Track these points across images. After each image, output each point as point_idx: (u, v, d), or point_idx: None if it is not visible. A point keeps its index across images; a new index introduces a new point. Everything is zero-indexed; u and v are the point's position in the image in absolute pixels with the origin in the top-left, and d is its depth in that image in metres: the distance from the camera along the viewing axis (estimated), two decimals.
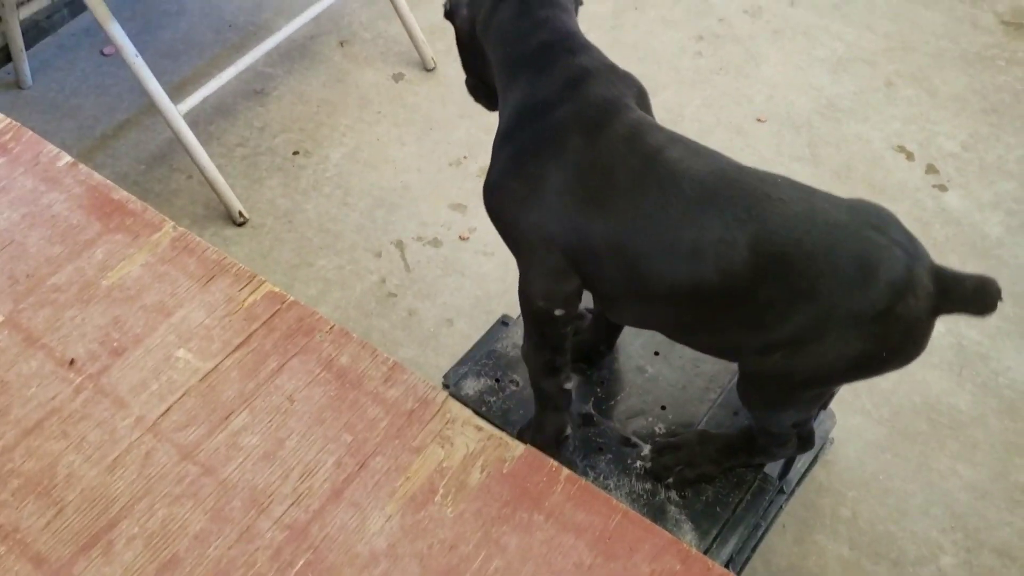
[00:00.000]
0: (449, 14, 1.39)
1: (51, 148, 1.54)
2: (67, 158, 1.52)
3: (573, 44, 1.26)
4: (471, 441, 1.22)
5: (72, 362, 1.28)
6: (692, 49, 2.61)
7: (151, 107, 2.15)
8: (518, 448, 1.22)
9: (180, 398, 1.24)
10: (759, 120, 2.42)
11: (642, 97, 1.30)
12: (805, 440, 1.40)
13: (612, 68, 1.27)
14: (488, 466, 1.20)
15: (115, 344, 1.30)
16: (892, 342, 1.17)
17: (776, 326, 1.18)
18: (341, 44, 2.62)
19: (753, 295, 1.16)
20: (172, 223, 1.43)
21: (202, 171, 2.12)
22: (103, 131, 2.41)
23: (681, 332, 1.29)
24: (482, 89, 1.44)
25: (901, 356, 1.20)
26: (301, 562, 1.11)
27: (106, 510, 1.15)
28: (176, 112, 2.05)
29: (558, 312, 1.26)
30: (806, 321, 1.16)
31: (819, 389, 1.27)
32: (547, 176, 1.20)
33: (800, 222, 1.14)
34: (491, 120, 2.34)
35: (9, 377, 1.26)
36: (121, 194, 1.48)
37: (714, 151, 1.22)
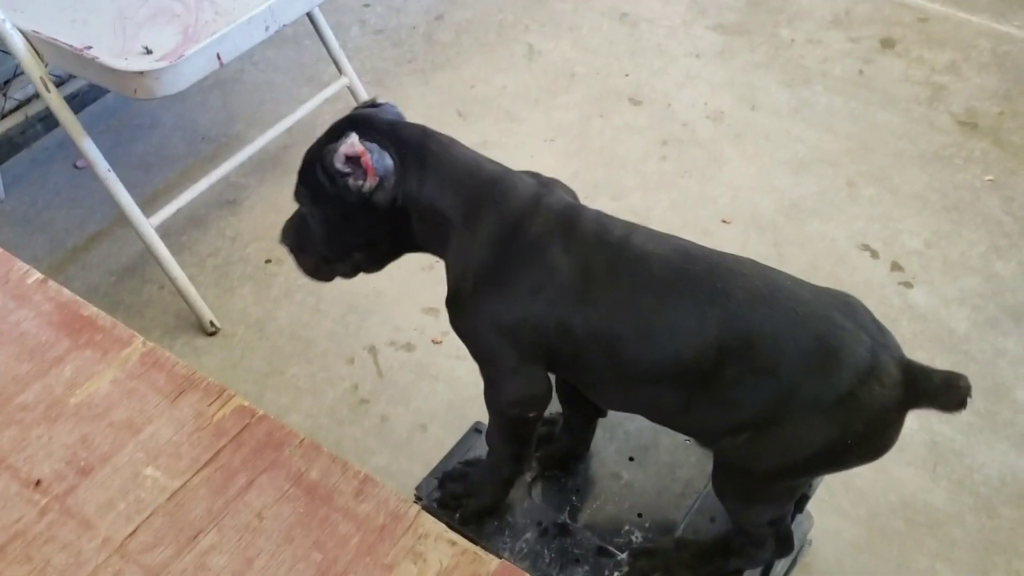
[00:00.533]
0: (368, 193, 1.23)
1: (21, 265, 1.53)
2: (36, 275, 1.52)
3: (510, 173, 1.29)
4: (444, 556, 1.20)
5: (38, 483, 1.26)
6: (657, 154, 2.67)
7: (123, 219, 2.16)
8: (492, 563, 1.20)
9: (148, 517, 1.21)
10: (724, 221, 2.47)
11: (575, 196, 1.36)
12: (783, 542, 1.39)
13: (552, 181, 1.33)
14: None
15: (82, 463, 1.27)
16: (857, 430, 1.17)
17: (743, 404, 1.20)
18: None
19: (721, 373, 1.18)
20: (141, 339, 1.42)
21: (173, 282, 2.13)
22: (75, 243, 2.41)
23: (659, 413, 1.31)
24: (371, 258, 1.36)
25: (868, 447, 1.21)
26: None
27: None
28: (147, 225, 2.07)
29: (531, 415, 1.30)
30: (769, 401, 1.18)
31: (789, 479, 1.27)
32: (526, 284, 1.22)
33: (762, 300, 1.17)
34: None
35: None
36: (91, 310, 1.47)
37: (668, 234, 1.28)
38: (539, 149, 2.68)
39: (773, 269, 1.24)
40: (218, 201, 2.50)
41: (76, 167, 2.62)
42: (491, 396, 1.30)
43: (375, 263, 1.36)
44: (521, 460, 1.38)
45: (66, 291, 1.50)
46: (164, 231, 2.19)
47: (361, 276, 2.33)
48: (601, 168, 2.60)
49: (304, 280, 2.31)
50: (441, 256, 1.30)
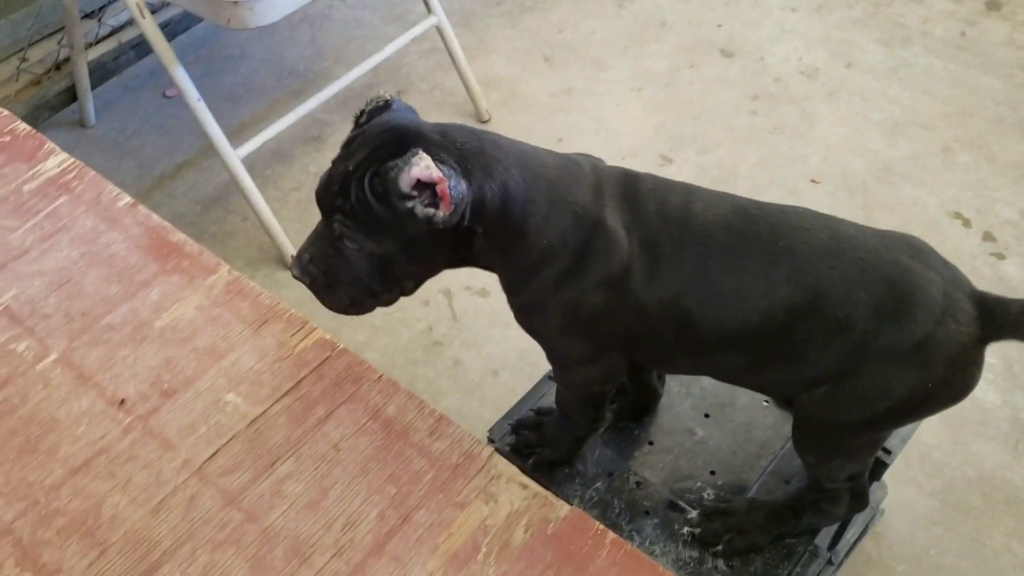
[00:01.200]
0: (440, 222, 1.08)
1: (112, 188, 1.56)
2: (127, 198, 1.55)
3: (569, 163, 1.21)
4: (516, 499, 1.21)
5: (122, 402, 1.29)
6: (747, 108, 2.60)
7: (210, 149, 2.19)
8: (563, 508, 1.20)
9: (227, 442, 1.24)
10: (813, 181, 2.41)
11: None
12: (858, 497, 1.37)
13: (586, 156, 1.26)
14: (532, 526, 1.18)
15: (165, 386, 1.30)
16: (937, 373, 1.14)
17: (817, 360, 1.18)
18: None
19: (791, 331, 1.16)
20: (227, 267, 1.44)
21: (257, 214, 2.15)
22: (162, 171, 2.45)
23: (730, 375, 1.30)
24: (420, 282, 1.23)
25: (950, 390, 1.18)
26: None
27: (148, 553, 1.15)
28: (234, 156, 2.09)
29: (608, 387, 1.31)
30: (844, 353, 1.15)
31: (871, 431, 1.25)
32: (604, 276, 1.17)
33: (827, 253, 1.14)
34: None
35: (60, 415, 1.27)
36: (178, 236, 1.49)
37: (726, 193, 1.24)
38: (625, 98, 2.63)
39: (834, 218, 1.20)
40: (303, 136, 2.52)
41: (165, 96, 2.65)
42: (565, 378, 1.30)
43: (419, 286, 1.23)
44: (597, 421, 1.38)
45: (155, 216, 1.53)
46: (249, 164, 2.21)
47: None
48: (688, 120, 2.55)
49: None
50: (497, 267, 1.21)
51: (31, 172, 1.58)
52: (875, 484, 1.53)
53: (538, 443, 1.42)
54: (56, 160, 1.60)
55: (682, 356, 1.26)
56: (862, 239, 1.16)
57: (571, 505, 1.21)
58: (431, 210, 1.04)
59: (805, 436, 1.26)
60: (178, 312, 1.39)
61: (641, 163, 2.42)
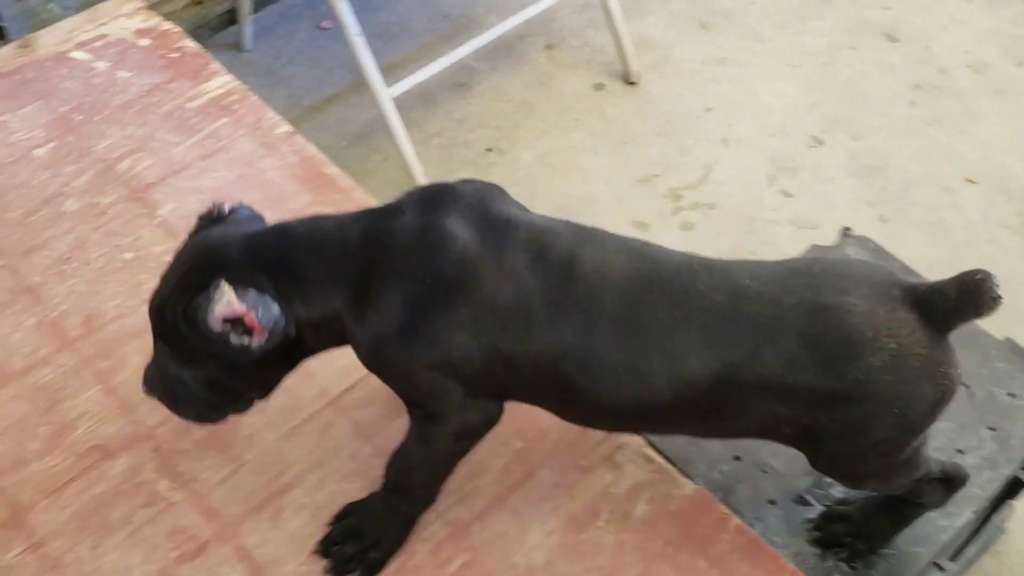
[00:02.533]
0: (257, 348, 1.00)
1: (272, 115, 1.60)
2: (286, 126, 1.58)
3: (375, 218, 1.06)
4: (640, 471, 1.20)
5: None
6: (907, 97, 2.50)
7: (360, 85, 2.21)
8: (687, 486, 1.19)
9: (365, 376, 1.26)
10: (969, 180, 2.30)
11: (491, 196, 1.12)
12: (949, 483, 1.25)
13: (445, 193, 1.08)
14: (655, 500, 1.17)
15: None
16: (904, 395, 1.01)
17: (756, 420, 1.06)
18: (548, 48, 2.63)
19: (708, 399, 1.03)
20: (377, 204, 1.46)
21: (401, 155, 2.17)
22: (311, 102, 2.49)
23: (661, 430, 1.21)
24: (266, 390, 1.12)
25: (929, 396, 1.03)
26: (459, 562, 1.11)
27: (280, 475, 1.18)
28: (387, 94, 2.10)
29: (477, 438, 1.11)
30: (788, 411, 1.03)
31: (875, 461, 1.12)
32: (455, 323, 1.00)
33: (724, 316, 1.02)
34: (688, 140, 2.28)
35: None
36: (332, 169, 1.52)
37: (622, 240, 1.08)
38: (780, 74, 2.55)
39: (731, 267, 1.05)
40: (449, 82, 2.52)
41: (320, 28, 2.68)
42: (430, 431, 1.08)
43: (269, 391, 1.12)
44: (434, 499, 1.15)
45: (311, 147, 1.55)
46: (395, 104, 2.22)
47: (578, 176, 2.33)
48: (843, 103, 2.46)
49: (521, 174, 2.33)
50: (344, 344, 1.09)
51: (196, 90, 1.62)
52: (1004, 505, 1.46)
53: (359, 550, 1.12)
54: (220, 81, 1.64)
55: (577, 417, 1.13)
56: (759, 290, 1.02)
57: (696, 485, 1.20)
58: (245, 339, 0.98)
59: (833, 473, 1.17)
60: None
61: (790, 142, 2.35)
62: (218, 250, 1.02)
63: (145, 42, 1.69)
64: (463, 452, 1.11)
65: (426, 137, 2.39)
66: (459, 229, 1.02)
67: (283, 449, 1.20)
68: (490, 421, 1.09)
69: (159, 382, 1.07)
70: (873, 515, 1.30)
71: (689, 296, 1.02)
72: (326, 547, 1.12)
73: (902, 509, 1.29)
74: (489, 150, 2.37)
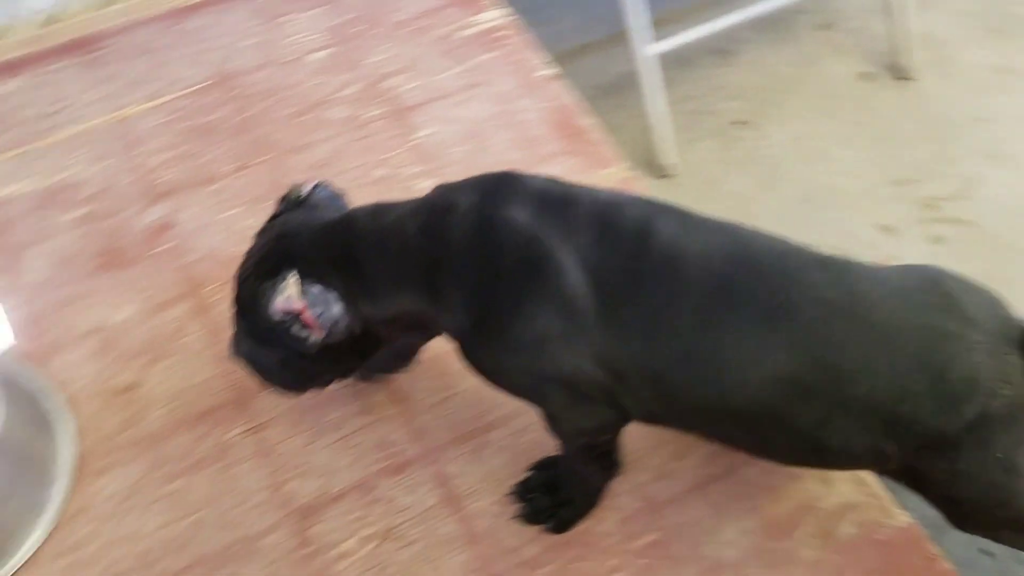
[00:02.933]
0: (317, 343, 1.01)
1: (537, 56, 1.59)
2: (548, 71, 1.57)
3: (432, 208, 1.00)
4: (852, 491, 1.14)
5: None
6: None
7: (620, 37, 2.18)
8: (900, 518, 1.12)
9: None
10: None
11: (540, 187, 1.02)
12: None
13: (496, 180, 1.01)
14: (863, 524, 1.11)
15: None
16: (1011, 439, 0.92)
17: (839, 450, 0.95)
18: (820, 27, 2.51)
19: (799, 410, 0.92)
20: (626, 164, 1.44)
21: (649, 116, 2.13)
22: (569, 47, 2.48)
23: (753, 450, 1.05)
24: (347, 374, 1.15)
25: None
26: (649, 539, 1.10)
27: (487, 413, 1.20)
28: (647, 51, 2.06)
29: (603, 438, 1.06)
30: (882, 439, 0.93)
31: (991, 509, 1.00)
32: (531, 328, 0.93)
33: (839, 314, 0.90)
34: (956, 149, 2.11)
35: None
36: (587, 121, 1.50)
37: (703, 217, 0.97)
38: None
39: (845, 261, 0.94)
40: (710, 47, 2.45)
41: None
42: (550, 427, 1.05)
43: (347, 374, 1.14)
44: (610, 469, 1.11)
45: (569, 94, 1.54)
46: (652, 62, 2.18)
47: (826, 166, 2.23)
48: (1007, 139, 2.23)
49: (766, 152, 2.25)
50: (429, 333, 1.10)
51: (469, 19, 1.64)
52: None
53: (552, 504, 1.13)
54: (494, 14, 1.65)
55: (668, 419, 1.02)
56: (883, 297, 0.92)
57: (909, 518, 1.13)
58: (304, 332, 0.98)
59: (953, 516, 1.05)
60: None
61: None
62: (293, 239, 1.02)
63: None
64: (592, 448, 1.06)
65: (676, 100, 2.33)
66: (517, 214, 0.95)
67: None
68: (605, 427, 1.03)
69: (241, 350, 1.09)
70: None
71: (795, 287, 0.91)
72: (523, 493, 1.13)
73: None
74: (738, 123, 2.29)
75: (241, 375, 1.23)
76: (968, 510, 1.00)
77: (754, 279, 0.91)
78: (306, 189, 1.09)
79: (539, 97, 1.53)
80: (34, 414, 1.16)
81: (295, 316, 0.98)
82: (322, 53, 1.58)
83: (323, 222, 1.03)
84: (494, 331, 0.95)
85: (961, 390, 0.89)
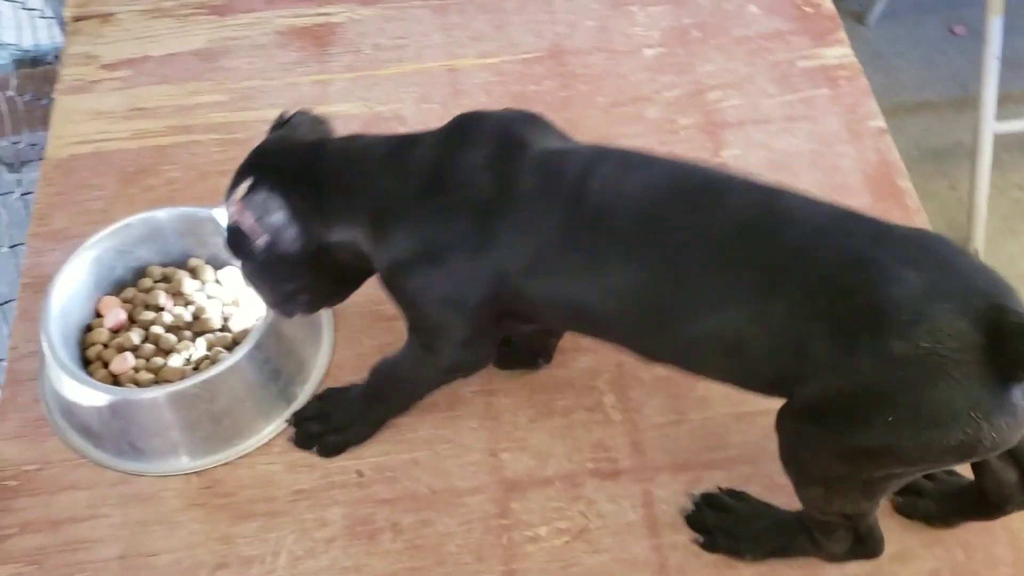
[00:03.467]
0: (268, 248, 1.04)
1: (872, 105, 1.52)
2: (880, 122, 1.49)
3: (406, 139, 1.06)
4: None
5: None
6: None
7: (962, 103, 2.04)
8: None
9: None
10: None
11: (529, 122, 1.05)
12: (861, 542, 1.01)
13: (478, 117, 1.05)
14: None
15: None
16: (916, 410, 0.80)
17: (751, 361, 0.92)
18: None
19: (732, 332, 0.90)
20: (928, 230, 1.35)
21: (971, 192, 1.98)
22: (904, 100, 2.35)
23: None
24: (318, 298, 1.15)
25: (952, 432, 0.80)
26: None
27: (712, 450, 1.16)
28: (991, 127, 1.92)
29: (462, 378, 1.15)
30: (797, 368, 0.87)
31: (844, 466, 0.90)
32: (463, 256, 0.98)
33: (756, 235, 0.89)
34: None
35: None
36: (906, 183, 1.42)
37: (650, 157, 0.99)
38: None
39: (778, 190, 0.93)
40: None
41: (951, 31, 2.50)
42: (423, 359, 1.09)
43: (322, 300, 1.16)
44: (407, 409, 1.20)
45: (895, 152, 1.46)
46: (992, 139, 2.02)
47: None
48: None
49: None
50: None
51: (812, 51, 1.58)
52: None
53: (322, 432, 1.18)
54: (839, 52, 1.58)
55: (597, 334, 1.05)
56: (803, 218, 0.89)
57: None
58: (251, 238, 1.03)
59: (780, 447, 0.96)
60: None
61: None
62: (261, 155, 1.07)
63: None
64: (447, 383, 1.15)
65: (1004, 185, 2.16)
66: (472, 158, 0.99)
67: (727, 427, 1.18)
68: (480, 363, 1.11)
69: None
70: (757, 525, 1.09)
71: (714, 210, 0.91)
72: (298, 419, 1.20)
73: (792, 539, 1.05)
74: None
75: None
76: (818, 455, 0.91)
77: (676, 209, 0.93)
78: (288, 114, 1.13)
79: (861, 146, 1.46)
80: (312, 318, 1.24)
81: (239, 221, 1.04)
82: (655, 50, 1.58)
83: (296, 141, 1.09)
84: (431, 259, 0.99)
85: (861, 318, 0.82)
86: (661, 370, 1.22)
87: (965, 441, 0.80)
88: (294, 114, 1.15)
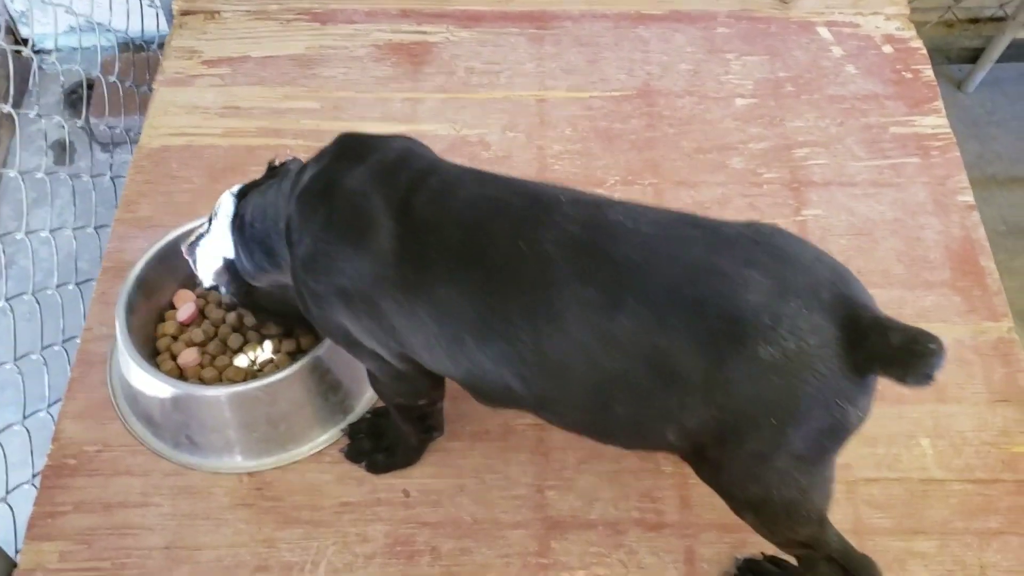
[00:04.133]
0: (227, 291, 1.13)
1: (962, 179, 1.49)
2: (969, 197, 1.46)
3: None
4: None
5: None
6: None
7: None
8: None
9: (887, 475, 1.16)
10: None
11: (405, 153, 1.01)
12: (846, 569, 1.01)
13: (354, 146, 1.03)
14: None
15: None
16: (792, 406, 0.84)
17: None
18: None
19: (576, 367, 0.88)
20: (1010, 324, 1.32)
21: None
22: (996, 172, 2.29)
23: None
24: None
25: (824, 416, 0.85)
26: None
27: None
28: None
29: (421, 402, 1.11)
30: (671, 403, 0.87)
31: (756, 482, 0.91)
32: (340, 250, 0.95)
33: (586, 253, 0.87)
34: None
35: None
36: (989, 264, 1.39)
37: (503, 178, 0.97)
38: None
39: (605, 202, 0.92)
40: None
41: None
42: (374, 385, 1.11)
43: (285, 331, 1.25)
44: (428, 432, 1.19)
45: (981, 230, 1.43)
46: None
47: None
48: None
49: None
50: None
51: (907, 118, 1.56)
52: None
53: (372, 449, 1.21)
54: (934, 121, 1.56)
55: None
56: (633, 229, 0.87)
57: None
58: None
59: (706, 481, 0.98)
60: None
61: None
62: (230, 200, 1.10)
63: (888, 49, 1.65)
64: (409, 409, 1.12)
65: None
66: (354, 179, 0.97)
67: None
68: (417, 393, 1.07)
69: None
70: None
71: (540, 226, 0.89)
72: (352, 432, 1.22)
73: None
74: None
75: None
76: (732, 476, 0.92)
77: (503, 224, 0.91)
78: (279, 160, 1.15)
79: (947, 220, 1.43)
80: None
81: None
82: (746, 100, 1.57)
83: (260, 189, 1.10)
84: (319, 260, 0.97)
85: (722, 329, 0.82)
86: None
87: (835, 424, 0.86)
88: (288, 160, 1.14)
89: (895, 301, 1.33)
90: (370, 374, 1.08)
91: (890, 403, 1.23)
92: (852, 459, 1.18)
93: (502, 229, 0.90)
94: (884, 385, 1.22)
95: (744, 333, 0.82)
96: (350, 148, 1.01)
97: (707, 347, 0.83)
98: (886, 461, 1.19)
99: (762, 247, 0.86)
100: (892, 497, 1.16)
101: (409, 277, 0.92)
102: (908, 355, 0.81)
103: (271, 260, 1.05)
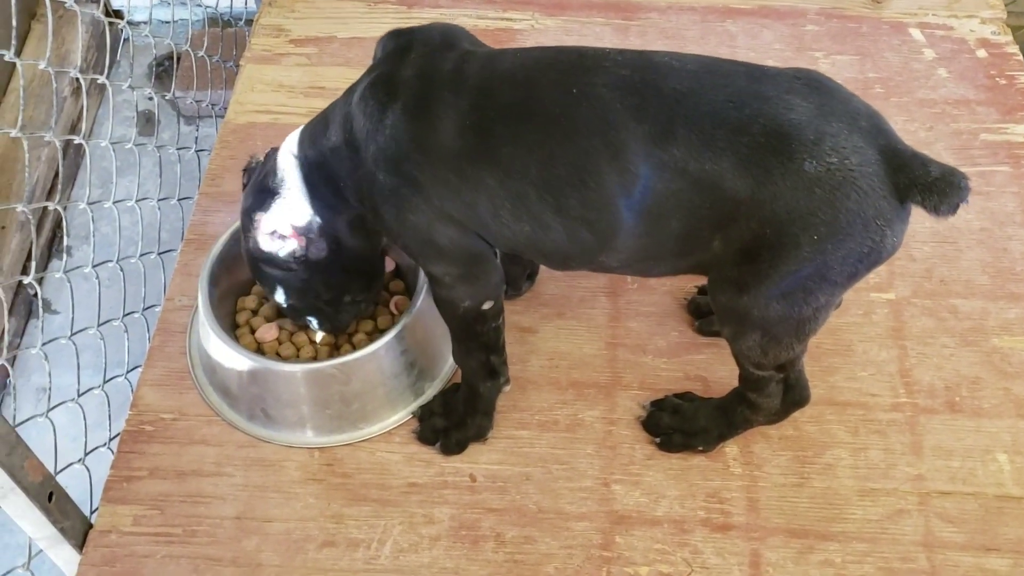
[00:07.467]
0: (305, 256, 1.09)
1: None
2: None
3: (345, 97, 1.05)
4: None
5: None
6: None
7: None
8: None
9: (961, 489, 1.14)
10: None
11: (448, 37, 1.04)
12: (791, 389, 1.11)
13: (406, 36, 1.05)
14: None
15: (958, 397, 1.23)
16: (835, 222, 0.89)
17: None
18: None
19: (635, 193, 0.93)
20: None
21: None
22: None
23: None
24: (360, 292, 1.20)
25: (864, 239, 0.91)
26: None
27: (831, 521, 1.14)
28: None
29: (486, 306, 1.08)
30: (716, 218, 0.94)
31: (774, 300, 0.96)
32: (412, 160, 0.97)
33: (635, 91, 0.92)
34: None
35: None
36: None
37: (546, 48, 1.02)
38: None
39: (651, 52, 0.97)
40: None
41: None
42: (441, 293, 1.08)
43: (367, 293, 1.21)
44: (495, 374, 1.16)
45: None
46: None
47: None
48: None
49: None
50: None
51: (999, 125, 1.52)
52: None
53: (444, 427, 1.20)
54: None
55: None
56: (680, 67, 0.93)
57: None
58: (292, 250, 1.09)
59: (716, 306, 1.03)
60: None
61: None
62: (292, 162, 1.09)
63: (982, 54, 1.61)
64: (477, 331, 1.11)
65: None
66: (403, 63, 1.00)
67: (849, 500, 1.15)
68: (488, 291, 1.07)
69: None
70: (703, 414, 1.19)
71: (590, 73, 0.94)
72: (424, 414, 1.22)
73: (733, 415, 1.15)
74: None
75: (621, 365, 1.26)
76: (752, 296, 0.96)
77: (553, 75, 0.95)
78: (256, 159, 1.18)
79: None
80: None
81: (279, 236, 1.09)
82: None
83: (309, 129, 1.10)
84: (384, 164, 0.98)
85: (768, 145, 0.88)
86: (789, 428, 1.20)
87: (872, 248, 0.91)
88: (268, 153, 1.15)
89: (977, 312, 1.30)
90: (436, 283, 1.08)
91: (968, 416, 1.21)
92: (926, 470, 1.16)
93: (554, 81, 0.95)
94: (962, 398, 1.21)
95: (789, 148, 0.88)
96: (395, 43, 1.04)
97: (754, 163, 0.89)
98: (961, 475, 1.16)
99: (802, 80, 0.93)
100: (965, 512, 1.14)
101: (473, 144, 0.96)
102: (946, 185, 0.88)
103: (339, 196, 1.06)
